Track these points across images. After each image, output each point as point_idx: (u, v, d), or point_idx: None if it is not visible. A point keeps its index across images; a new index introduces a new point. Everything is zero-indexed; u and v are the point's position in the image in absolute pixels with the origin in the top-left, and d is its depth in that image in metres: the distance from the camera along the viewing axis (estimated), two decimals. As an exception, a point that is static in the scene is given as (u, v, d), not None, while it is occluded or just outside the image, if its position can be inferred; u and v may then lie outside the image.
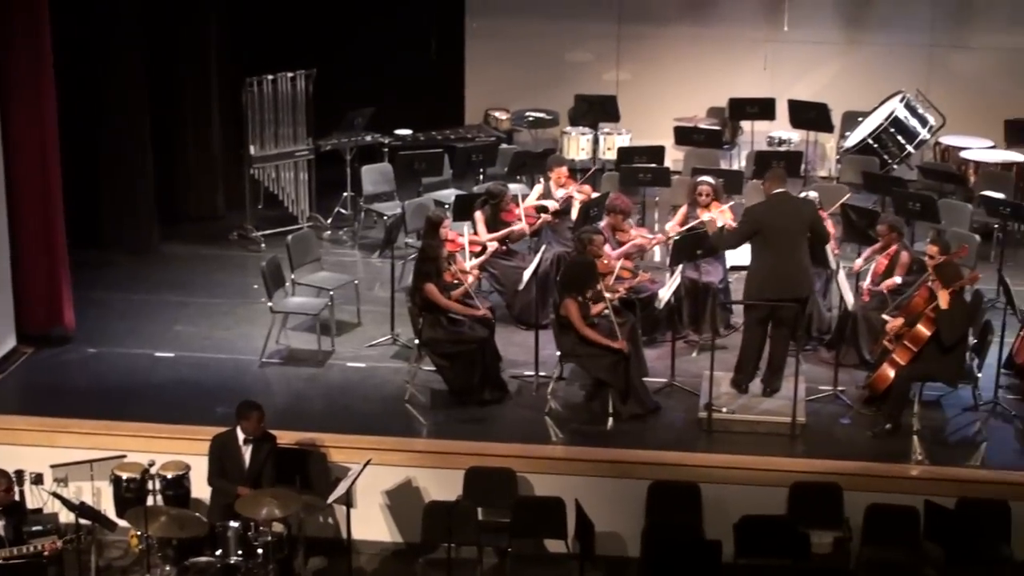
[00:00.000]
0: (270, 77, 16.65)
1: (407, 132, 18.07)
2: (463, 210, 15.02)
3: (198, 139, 17.31)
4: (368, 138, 17.73)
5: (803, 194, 14.46)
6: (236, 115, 16.84)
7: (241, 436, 11.39)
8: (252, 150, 16.71)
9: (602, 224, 14.38)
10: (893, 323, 12.72)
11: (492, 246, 14.46)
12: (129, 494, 11.66)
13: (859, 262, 14.25)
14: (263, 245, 16.59)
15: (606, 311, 12.78)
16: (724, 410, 12.59)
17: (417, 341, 13.04)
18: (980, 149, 17.88)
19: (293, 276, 14.53)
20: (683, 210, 14.86)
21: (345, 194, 17.52)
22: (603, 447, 12.30)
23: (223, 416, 12.05)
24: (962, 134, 18.22)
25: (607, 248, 13.79)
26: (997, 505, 11.40)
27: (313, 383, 13.45)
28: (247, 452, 11.38)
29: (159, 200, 16.66)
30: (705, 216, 14.43)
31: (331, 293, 14.22)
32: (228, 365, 13.71)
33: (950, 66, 19.09)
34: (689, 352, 13.93)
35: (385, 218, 16.26)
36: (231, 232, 16.99)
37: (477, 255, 14.29)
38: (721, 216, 14.44)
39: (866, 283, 13.86)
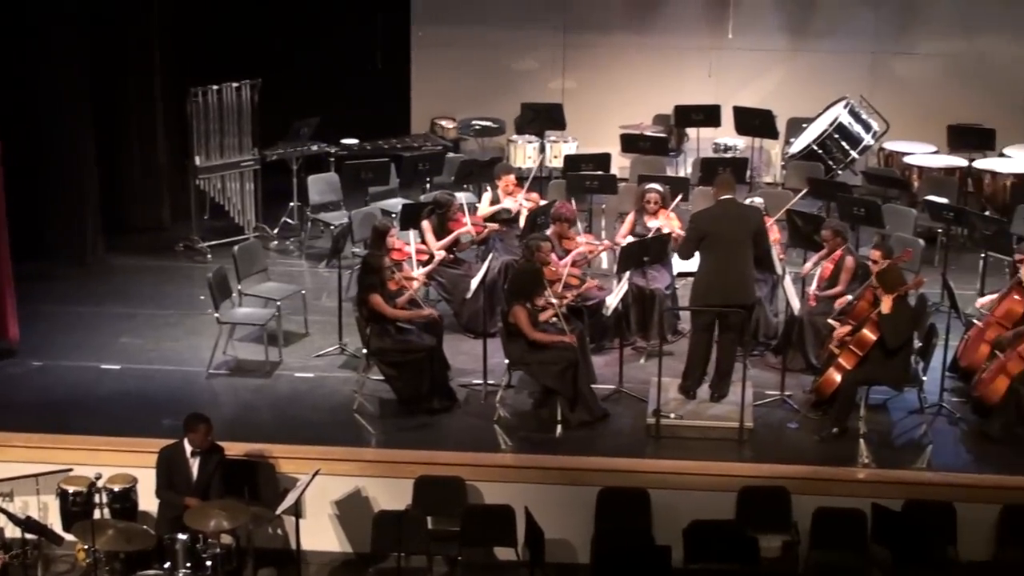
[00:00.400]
0: (215, 87, 16.58)
1: (353, 141, 18.05)
2: (410, 219, 15.00)
3: (143, 150, 17.22)
4: (314, 148, 17.69)
5: (749, 200, 14.54)
6: (181, 126, 16.78)
7: (188, 448, 11.34)
8: (197, 161, 16.64)
9: (548, 232, 14.40)
10: (840, 331, 12.80)
11: (440, 255, 14.45)
12: (76, 508, 11.57)
13: (807, 266, 14.32)
14: (209, 256, 16.53)
15: (554, 319, 12.81)
16: (672, 416, 12.62)
17: (365, 351, 13.02)
18: (923, 154, 18.03)
19: (240, 287, 14.47)
20: (631, 217, 14.88)
21: (291, 204, 17.48)
22: (552, 454, 12.32)
23: (170, 428, 12.00)
24: (905, 139, 18.38)
25: (554, 256, 13.80)
26: (943, 507, 11.48)
27: (261, 394, 13.41)
28: (195, 464, 11.34)
29: (104, 212, 16.57)
30: (652, 223, 14.47)
31: (278, 303, 14.18)
32: (175, 377, 13.64)
33: (893, 72, 19.25)
34: (637, 359, 13.96)
35: (332, 228, 16.23)
36: (177, 243, 16.91)
37: (424, 264, 14.28)
38: (668, 223, 14.48)
39: (812, 288, 13.94)
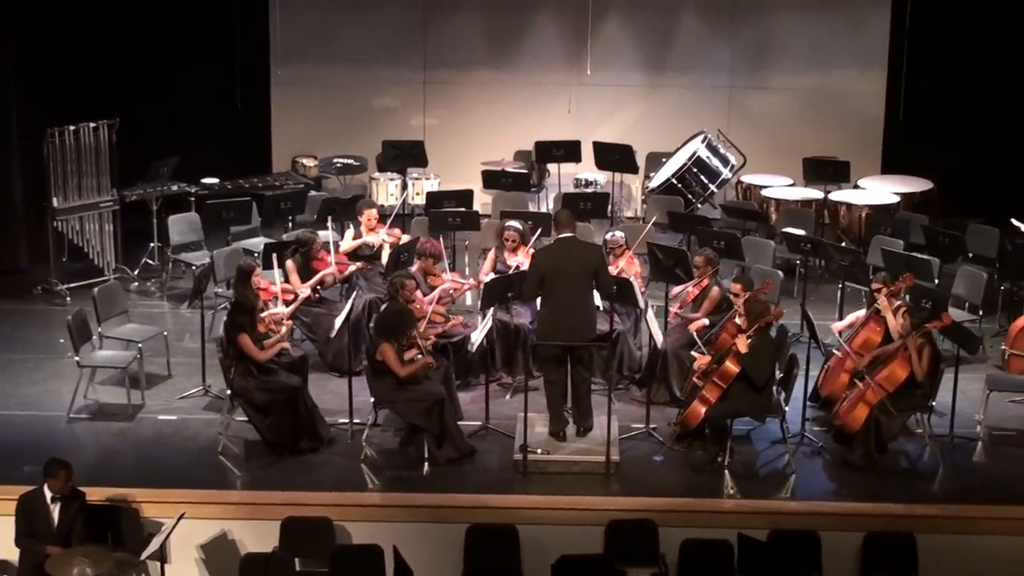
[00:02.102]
0: (72, 127, 16.37)
1: (214, 181, 17.91)
2: (273, 258, 14.90)
3: (-2, 191, 16.98)
4: (174, 187, 17.53)
5: (609, 234, 14.67)
6: (37, 166, 16.52)
7: (49, 494, 11.16)
8: (55, 202, 16.41)
9: (413, 268, 14.39)
10: (700, 360, 12.96)
11: (304, 293, 14.37)
12: (-66, 558, 11.36)
13: (676, 290, 14.36)
14: (68, 298, 16.30)
15: (419, 356, 12.79)
16: (539, 451, 12.65)
17: (229, 392, 12.91)
18: (780, 187, 18.32)
19: (100, 329, 14.30)
20: (492, 254, 14.93)
21: (152, 244, 17.30)
22: (420, 492, 12.31)
23: (31, 475, 11.78)
24: (763, 173, 18.65)
25: (419, 293, 13.79)
26: (807, 536, 11.61)
27: (123, 438, 13.23)
28: (55, 510, 11.16)
29: (-41, 255, 16.32)
30: (512, 260, 14.52)
31: (140, 345, 14.02)
32: (35, 422, 13.42)
33: (749, 106, 19.56)
34: (503, 394, 14.00)
35: (194, 268, 16.09)
36: (35, 286, 16.66)
37: (288, 303, 14.18)
38: (528, 259, 14.50)
39: (675, 308, 14.06)
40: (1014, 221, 15.56)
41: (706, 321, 13.70)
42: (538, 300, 13.98)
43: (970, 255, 16.23)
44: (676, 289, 14.39)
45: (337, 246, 15.13)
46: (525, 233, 14.83)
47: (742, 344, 12.52)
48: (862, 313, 13.89)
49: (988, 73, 18.67)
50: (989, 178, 18.44)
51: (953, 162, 18.58)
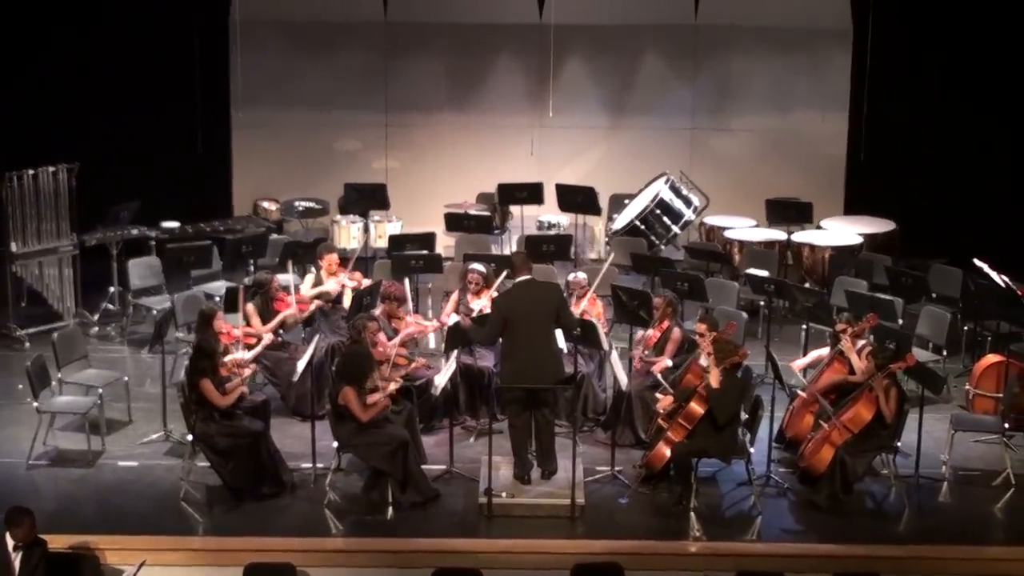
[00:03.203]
0: (30, 172, 16.28)
1: (175, 225, 17.84)
2: (234, 303, 14.82)
3: (-44, 237, 16.84)
4: (134, 231, 17.45)
5: (572, 276, 14.66)
6: (-4, 211, 16.46)
7: (11, 543, 11.02)
8: (13, 247, 16.31)
9: (377, 312, 14.33)
10: (663, 401, 12.92)
11: (267, 338, 14.30)
12: None
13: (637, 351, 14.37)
14: (27, 344, 16.19)
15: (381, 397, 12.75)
16: (504, 495, 12.59)
17: (191, 437, 12.80)
18: (743, 228, 18.35)
19: (60, 375, 14.18)
20: (454, 296, 14.89)
21: (112, 289, 17.20)
22: (384, 537, 12.22)
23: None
24: (726, 214, 18.69)
25: (382, 336, 13.73)
26: (774, 577, 11.60)
27: (84, 484, 13.10)
28: (17, 559, 11.00)
29: (-83, 300, 16.18)
30: (475, 303, 14.48)
31: (100, 391, 13.91)
32: (-7, 469, 13.32)
33: (711, 148, 19.63)
34: (467, 438, 13.94)
35: (154, 312, 16.00)
36: (-7, 332, 16.57)
37: (251, 347, 14.10)
38: (491, 303, 14.46)
39: (638, 352, 14.03)
40: (977, 261, 15.60)
41: (669, 362, 13.69)
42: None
43: (933, 295, 16.28)
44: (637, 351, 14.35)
45: (298, 289, 15.07)
46: (489, 276, 14.80)
47: (715, 379, 12.48)
48: (825, 351, 13.91)
49: (949, 114, 18.78)
50: (951, 218, 18.56)
51: (915, 203, 18.70)
